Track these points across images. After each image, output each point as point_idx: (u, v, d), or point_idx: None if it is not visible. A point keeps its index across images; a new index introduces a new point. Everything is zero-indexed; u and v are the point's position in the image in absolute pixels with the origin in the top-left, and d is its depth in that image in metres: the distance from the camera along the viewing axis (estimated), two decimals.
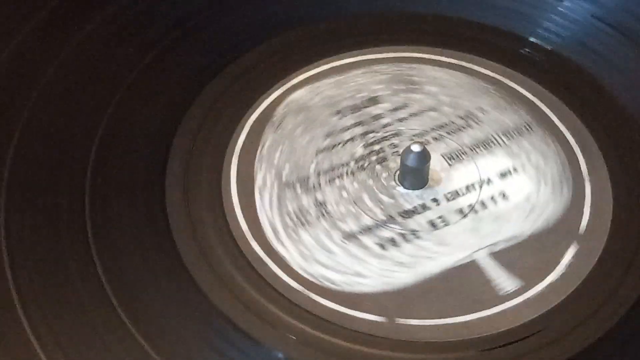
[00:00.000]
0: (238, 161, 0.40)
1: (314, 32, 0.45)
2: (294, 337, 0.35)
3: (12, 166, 0.38)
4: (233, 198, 0.39)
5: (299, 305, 0.36)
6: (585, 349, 0.35)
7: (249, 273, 0.37)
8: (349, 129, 0.42)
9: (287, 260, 0.37)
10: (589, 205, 0.39)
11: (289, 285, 0.37)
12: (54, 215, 0.37)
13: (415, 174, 0.39)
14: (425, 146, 0.38)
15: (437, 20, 0.46)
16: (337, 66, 0.44)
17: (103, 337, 0.34)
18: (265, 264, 0.37)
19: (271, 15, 0.46)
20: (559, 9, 0.46)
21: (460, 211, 0.39)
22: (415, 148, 0.38)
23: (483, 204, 0.39)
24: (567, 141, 0.41)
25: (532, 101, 0.43)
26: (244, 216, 0.39)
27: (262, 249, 0.38)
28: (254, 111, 0.42)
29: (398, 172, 0.40)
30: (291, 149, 0.41)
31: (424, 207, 0.39)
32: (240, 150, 0.41)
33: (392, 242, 0.38)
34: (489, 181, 0.40)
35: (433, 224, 0.39)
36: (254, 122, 0.42)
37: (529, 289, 0.37)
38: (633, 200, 0.39)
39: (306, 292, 0.36)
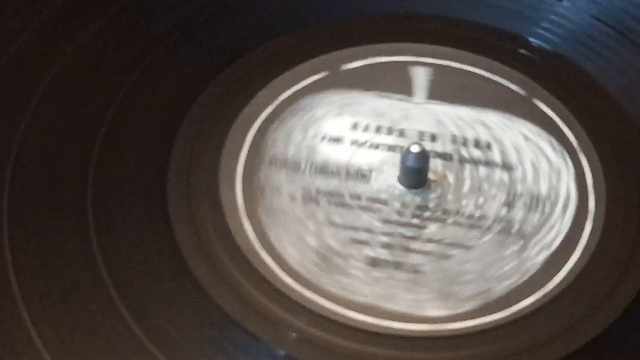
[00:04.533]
0: (239, 161, 0.41)
1: (316, 33, 0.45)
2: (294, 335, 0.35)
3: (14, 167, 0.39)
4: (234, 197, 0.39)
5: (300, 303, 0.36)
6: (579, 349, 0.35)
7: (250, 271, 0.37)
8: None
9: (288, 258, 0.38)
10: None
11: (290, 283, 0.37)
12: (56, 214, 0.38)
13: (415, 174, 0.39)
14: (424, 147, 0.39)
15: (436, 20, 0.46)
16: (343, 68, 0.44)
17: (105, 334, 0.35)
18: (266, 263, 0.37)
19: (273, 15, 0.46)
20: (558, 9, 0.46)
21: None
22: (415, 149, 0.38)
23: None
24: (567, 141, 0.42)
25: (532, 101, 0.43)
26: (245, 215, 0.39)
27: (263, 247, 0.38)
28: (256, 111, 0.42)
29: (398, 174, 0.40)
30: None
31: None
32: (246, 151, 0.41)
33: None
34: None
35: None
36: (256, 122, 0.42)
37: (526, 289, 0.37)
38: (630, 200, 0.40)
39: (307, 290, 0.37)
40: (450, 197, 0.40)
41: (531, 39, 0.45)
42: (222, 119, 0.42)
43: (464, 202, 0.39)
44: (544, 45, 0.45)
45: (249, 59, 0.44)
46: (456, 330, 0.36)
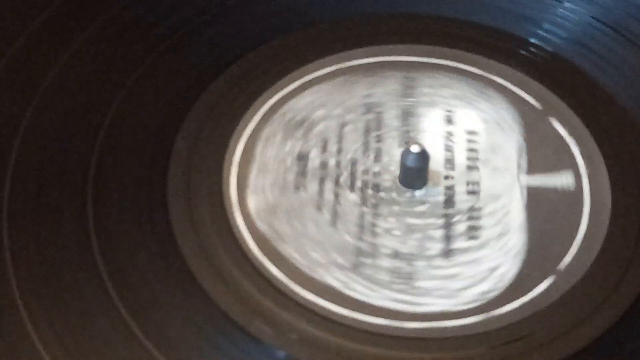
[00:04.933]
0: (239, 162, 0.41)
1: (318, 32, 0.45)
2: (294, 335, 0.35)
3: (14, 167, 0.39)
4: (234, 198, 0.39)
5: (300, 303, 0.36)
6: (580, 350, 0.35)
7: (250, 271, 0.37)
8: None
9: (288, 259, 0.38)
10: (588, 205, 0.40)
11: (290, 283, 0.37)
12: (56, 214, 0.38)
13: (415, 174, 0.39)
14: (425, 149, 0.39)
15: (436, 20, 0.46)
16: (342, 68, 0.44)
17: (106, 336, 0.35)
18: (267, 263, 0.37)
19: (274, 15, 0.46)
20: (559, 10, 0.46)
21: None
22: (414, 149, 0.38)
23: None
24: (566, 142, 0.42)
25: (532, 103, 0.43)
26: (245, 216, 0.39)
27: (262, 247, 0.38)
28: (256, 111, 0.42)
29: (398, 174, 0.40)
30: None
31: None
32: (242, 151, 0.41)
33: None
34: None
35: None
36: (256, 122, 0.42)
37: (526, 290, 0.37)
38: (632, 200, 0.40)
39: (307, 291, 0.37)
40: (396, 208, 0.39)
41: (532, 40, 0.45)
42: (223, 119, 0.42)
43: (392, 220, 0.39)
44: (545, 46, 0.45)
45: (250, 59, 0.44)
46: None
